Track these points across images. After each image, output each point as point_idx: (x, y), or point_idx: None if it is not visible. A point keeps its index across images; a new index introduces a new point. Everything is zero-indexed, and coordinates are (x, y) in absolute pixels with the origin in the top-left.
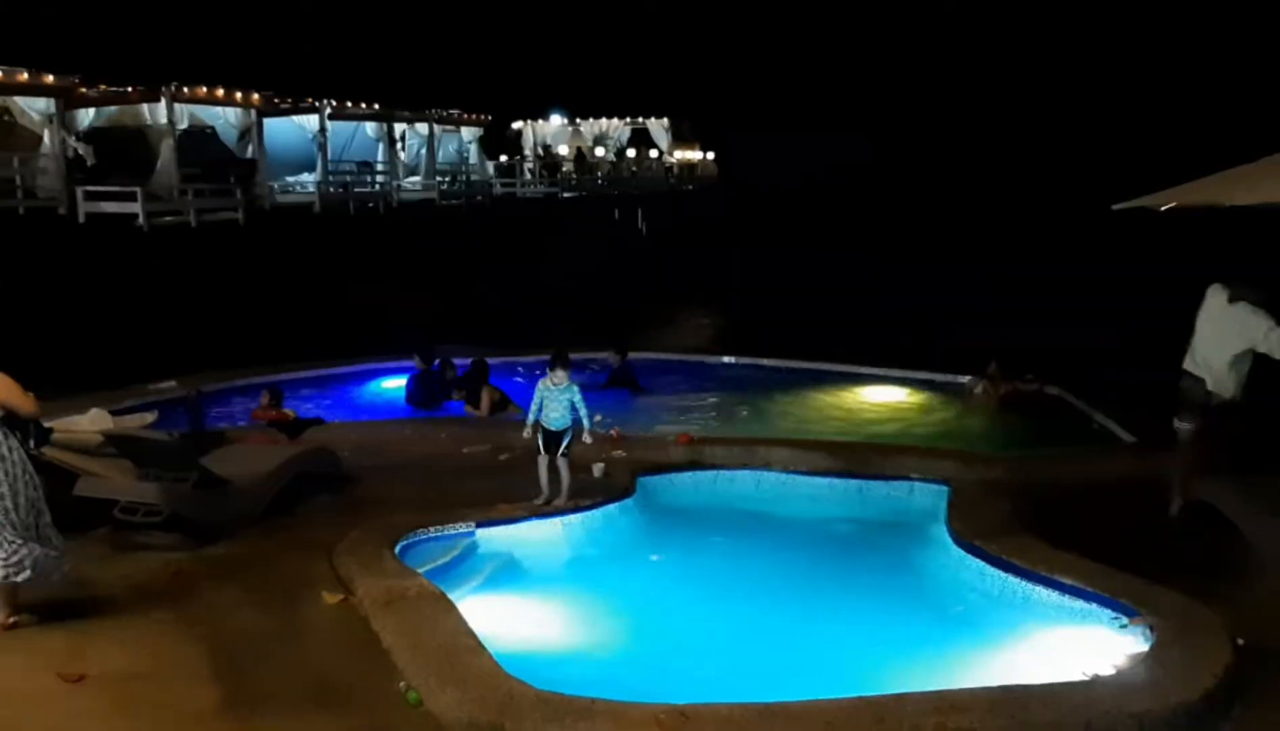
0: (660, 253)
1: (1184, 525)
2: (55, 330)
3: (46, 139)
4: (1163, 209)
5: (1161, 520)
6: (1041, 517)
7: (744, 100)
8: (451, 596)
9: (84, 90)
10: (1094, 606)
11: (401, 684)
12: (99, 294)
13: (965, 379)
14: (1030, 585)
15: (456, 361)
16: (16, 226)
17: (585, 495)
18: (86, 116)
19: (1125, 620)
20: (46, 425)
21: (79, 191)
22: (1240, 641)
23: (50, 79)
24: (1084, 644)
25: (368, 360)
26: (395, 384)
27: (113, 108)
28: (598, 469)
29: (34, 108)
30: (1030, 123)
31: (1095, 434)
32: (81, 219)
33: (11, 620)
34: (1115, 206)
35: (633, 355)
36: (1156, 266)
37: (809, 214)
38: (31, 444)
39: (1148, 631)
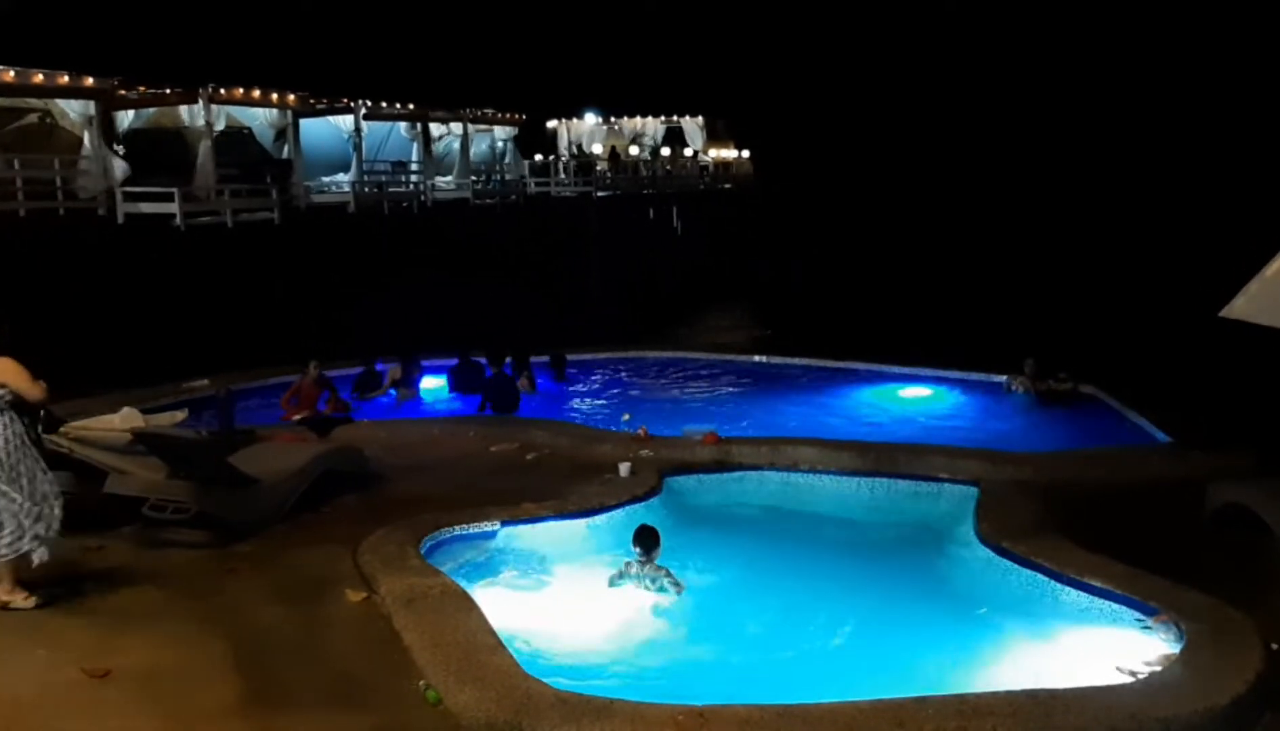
0: (694, 251)
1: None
2: (93, 329)
3: (86, 141)
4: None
5: (1195, 521)
6: (1071, 518)
7: (778, 98)
8: (475, 595)
9: (123, 92)
10: (1122, 609)
11: (421, 682)
12: (136, 293)
13: (1000, 378)
14: (1057, 586)
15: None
16: (57, 227)
17: (612, 495)
18: (126, 118)
19: (1148, 621)
20: (58, 416)
21: (118, 192)
22: (1275, 646)
23: (90, 81)
24: (1111, 647)
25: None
26: (435, 383)
27: (151, 110)
28: (624, 468)
29: (74, 110)
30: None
31: (1130, 433)
32: (120, 220)
33: (23, 598)
34: (1223, 313)
35: (667, 354)
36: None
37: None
38: (40, 429)
39: (1176, 633)
